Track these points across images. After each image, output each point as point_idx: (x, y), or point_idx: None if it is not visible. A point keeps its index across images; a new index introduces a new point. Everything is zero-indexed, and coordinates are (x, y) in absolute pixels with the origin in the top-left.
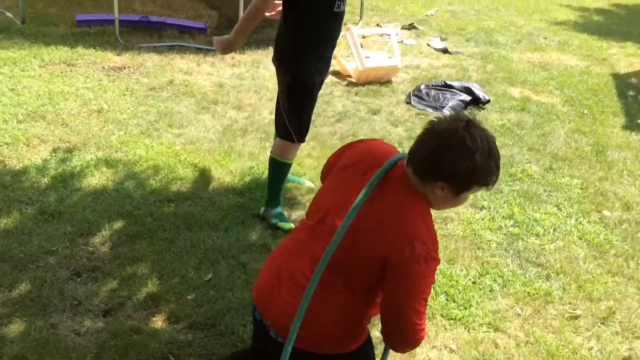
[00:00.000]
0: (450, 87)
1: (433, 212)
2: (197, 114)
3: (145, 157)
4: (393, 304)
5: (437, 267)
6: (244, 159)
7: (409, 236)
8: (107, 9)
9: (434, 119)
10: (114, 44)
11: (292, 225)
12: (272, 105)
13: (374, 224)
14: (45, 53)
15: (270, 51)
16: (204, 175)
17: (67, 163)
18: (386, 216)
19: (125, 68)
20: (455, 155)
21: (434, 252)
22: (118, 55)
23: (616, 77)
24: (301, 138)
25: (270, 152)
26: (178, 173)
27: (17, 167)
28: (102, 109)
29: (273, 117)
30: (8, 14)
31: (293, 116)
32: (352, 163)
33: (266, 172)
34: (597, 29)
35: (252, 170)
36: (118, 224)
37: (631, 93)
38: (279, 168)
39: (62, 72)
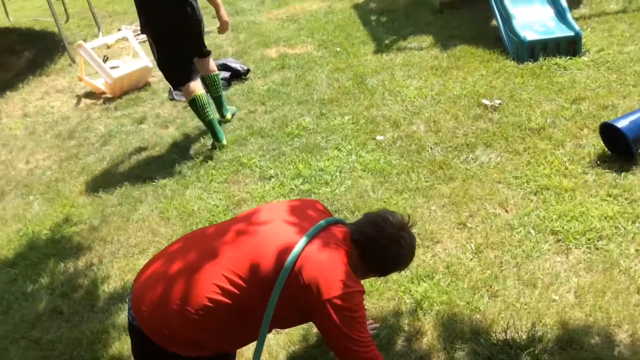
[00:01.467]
0: (225, 66)
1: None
2: None
3: None
4: (334, 347)
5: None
6: (7, 225)
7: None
8: None
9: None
10: None
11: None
12: (26, 154)
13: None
14: None
15: (8, 97)
16: None
17: None
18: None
19: None
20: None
21: (350, 287)
22: None
23: (357, 7)
24: None
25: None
26: None
27: None
28: None
29: (31, 166)
30: None
31: None
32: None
33: (37, 229)
34: None
35: (20, 234)
36: None
37: (373, 18)
38: None
39: None
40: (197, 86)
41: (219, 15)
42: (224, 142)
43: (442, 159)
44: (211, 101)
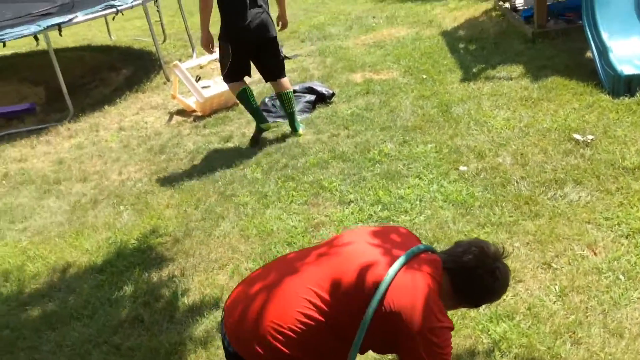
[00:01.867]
0: (294, 91)
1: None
2: (39, 201)
3: None
4: None
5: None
6: (98, 232)
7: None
8: None
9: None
10: None
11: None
12: (120, 165)
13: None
14: None
15: (106, 111)
16: (58, 264)
17: None
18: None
19: None
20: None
21: (442, 322)
22: None
23: (445, 35)
24: None
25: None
26: (29, 271)
27: None
28: None
29: (123, 177)
30: None
31: None
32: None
33: (125, 238)
34: None
35: (110, 242)
36: None
37: (461, 46)
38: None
39: None
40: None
41: (283, 14)
42: (301, 131)
43: (528, 194)
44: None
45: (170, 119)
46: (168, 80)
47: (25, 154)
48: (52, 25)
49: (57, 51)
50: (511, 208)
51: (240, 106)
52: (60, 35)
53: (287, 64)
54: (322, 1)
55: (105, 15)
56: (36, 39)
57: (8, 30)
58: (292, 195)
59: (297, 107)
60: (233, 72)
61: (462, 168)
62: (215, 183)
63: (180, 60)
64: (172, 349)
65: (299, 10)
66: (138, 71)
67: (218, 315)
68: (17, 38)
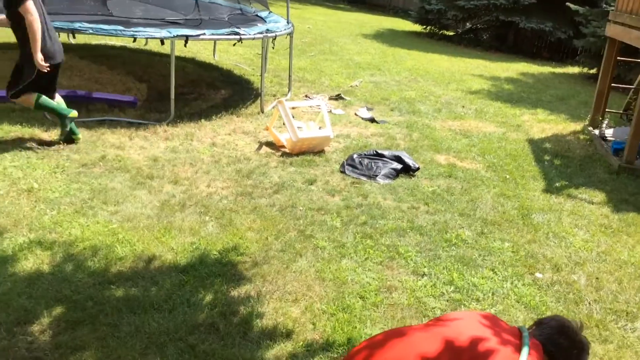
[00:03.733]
0: (382, 156)
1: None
2: (132, 190)
3: (81, 237)
4: None
5: None
6: (184, 234)
7: None
8: None
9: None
10: (41, 120)
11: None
12: (209, 178)
13: None
14: None
15: (202, 124)
16: (144, 254)
17: None
18: None
19: (54, 144)
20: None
21: None
22: (46, 131)
23: (531, 142)
24: None
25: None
26: (117, 253)
27: None
28: (32, 188)
29: (211, 190)
30: None
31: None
32: None
33: (209, 247)
34: (509, 97)
35: (193, 247)
36: (57, 310)
37: (547, 157)
38: None
39: None
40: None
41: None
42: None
43: (599, 318)
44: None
45: (259, 148)
46: (262, 111)
47: (123, 143)
48: (182, 35)
49: (162, 56)
50: None
51: (327, 153)
52: (185, 46)
53: (375, 128)
54: (414, 78)
55: (228, 39)
56: (162, 42)
57: (141, 29)
58: (369, 253)
59: (382, 171)
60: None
61: (538, 275)
62: (297, 220)
63: (274, 95)
64: None
65: (392, 80)
66: (235, 95)
67: (289, 345)
68: (147, 38)
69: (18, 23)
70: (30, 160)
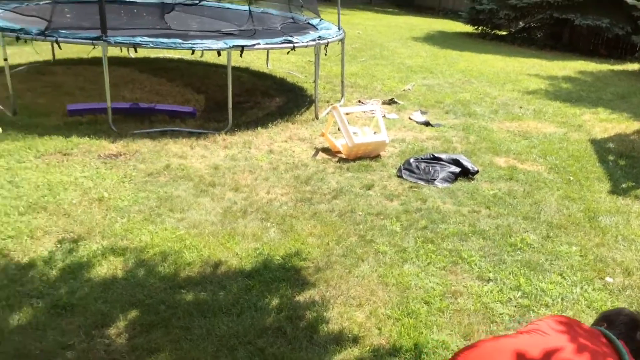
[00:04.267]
0: (439, 159)
1: (442, 285)
2: (196, 197)
3: (151, 243)
4: None
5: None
6: (247, 240)
7: None
8: (96, 97)
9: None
10: (107, 132)
11: None
12: (268, 185)
13: None
14: (39, 144)
15: (258, 132)
16: (210, 259)
17: (74, 254)
18: None
19: (120, 155)
20: None
21: None
22: (112, 142)
23: (594, 142)
24: None
25: None
26: (185, 258)
27: (24, 261)
28: (103, 197)
29: (271, 196)
30: None
31: None
32: None
33: (272, 253)
34: (568, 96)
35: (257, 252)
36: (132, 314)
37: (611, 158)
38: None
39: (58, 162)
40: None
41: None
42: None
43: None
44: None
45: (316, 154)
46: (317, 118)
47: (185, 152)
48: (237, 46)
49: (217, 67)
50: None
51: (383, 157)
52: (241, 56)
53: (430, 132)
54: (468, 80)
55: (282, 48)
56: (219, 54)
57: (198, 41)
58: (431, 257)
59: (440, 175)
60: None
61: (608, 279)
62: (356, 225)
63: (328, 102)
64: None
65: (445, 82)
66: (289, 102)
67: (356, 350)
68: (204, 49)
69: None
70: (99, 170)
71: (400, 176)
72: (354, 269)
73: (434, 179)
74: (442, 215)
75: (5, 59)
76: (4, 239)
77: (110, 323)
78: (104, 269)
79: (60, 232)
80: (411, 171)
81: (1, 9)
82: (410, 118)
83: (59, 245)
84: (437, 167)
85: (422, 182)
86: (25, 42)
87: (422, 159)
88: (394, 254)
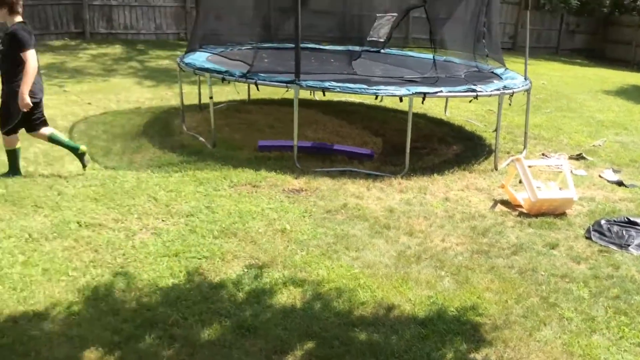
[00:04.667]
0: (635, 223)
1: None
2: (371, 238)
3: (327, 278)
4: None
5: None
6: (421, 287)
7: None
8: (283, 135)
9: None
10: (292, 168)
11: None
12: (443, 233)
13: None
14: (233, 175)
15: (434, 178)
16: (384, 302)
17: (259, 279)
18: None
19: (302, 191)
20: None
21: None
22: (296, 178)
23: None
24: None
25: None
26: (359, 297)
27: (215, 280)
28: (285, 229)
29: (446, 245)
30: (201, 138)
31: None
32: None
33: (446, 303)
34: None
35: (430, 300)
36: (308, 345)
37: None
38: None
39: (248, 193)
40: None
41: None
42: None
43: None
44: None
45: (494, 206)
46: (496, 168)
47: (361, 193)
48: (419, 93)
49: (396, 112)
50: None
51: (569, 216)
52: (422, 103)
53: (624, 193)
54: None
55: (465, 97)
56: (400, 99)
57: (382, 87)
58: (624, 331)
59: (636, 241)
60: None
61: None
62: (539, 286)
63: (508, 153)
64: None
65: None
66: (467, 151)
67: None
68: (388, 96)
69: (14, 58)
70: (283, 204)
71: (589, 238)
72: (535, 332)
73: (629, 245)
74: (638, 285)
75: (211, 97)
76: (199, 259)
77: (288, 350)
78: (284, 297)
79: (247, 257)
80: (602, 233)
81: (210, 52)
82: (600, 176)
83: (246, 270)
84: (633, 232)
85: (614, 247)
86: (229, 82)
87: (614, 221)
88: (581, 322)
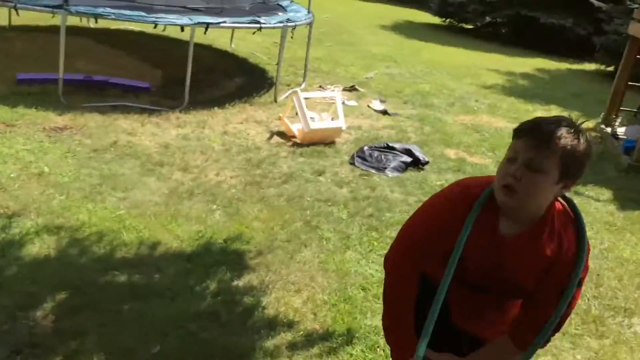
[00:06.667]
0: (392, 148)
1: (381, 272)
2: (141, 176)
3: (88, 222)
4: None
5: None
6: (191, 223)
7: None
8: (48, 67)
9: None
10: (56, 104)
11: None
12: (219, 166)
13: None
14: None
15: (214, 112)
16: (149, 241)
17: (6, 231)
18: None
19: (67, 129)
20: None
21: None
22: (60, 115)
23: None
24: None
25: None
26: (123, 239)
27: None
28: (43, 172)
29: (220, 178)
30: None
31: None
32: None
33: (215, 236)
34: (523, 92)
35: (200, 235)
36: (60, 296)
37: None
38: None
39: (0, 134)
40: None
41: None
42: None
43: (597, 314)
44: None
45: (270, 138)
46: (275, 100)
47: (134, 129)
48: (202, 23)
49: (181, 43)
50: (579, 322)
51: (337, 144)
52: (205, 33)
53: (387, 121)
54: (429, 71)
55: (248, 28)
56: (182, 29)
57: (162, 15)
58: (373, 245)
59: (392, 164)
60: None
61: None
62: (303, 211)
63: (289, 85)
64: (244, 352)
65: (407, 72)
66: (249, 84)
67: (289, 334)
68: (168, 24)
69: None
70: (42, 144)
71: (352, 163)
72: (296, 254)
73: (385, 168)
74: (389, 203)
75: None
76: None
77: (37, 305)
78: (36, 248)
79: None
80: (364, 159)
81: None
82: (368, 106)
83: None
84: (390, 156)
85: (373, 170)
86: None
87: (375, 147)
88: (338, 240)
